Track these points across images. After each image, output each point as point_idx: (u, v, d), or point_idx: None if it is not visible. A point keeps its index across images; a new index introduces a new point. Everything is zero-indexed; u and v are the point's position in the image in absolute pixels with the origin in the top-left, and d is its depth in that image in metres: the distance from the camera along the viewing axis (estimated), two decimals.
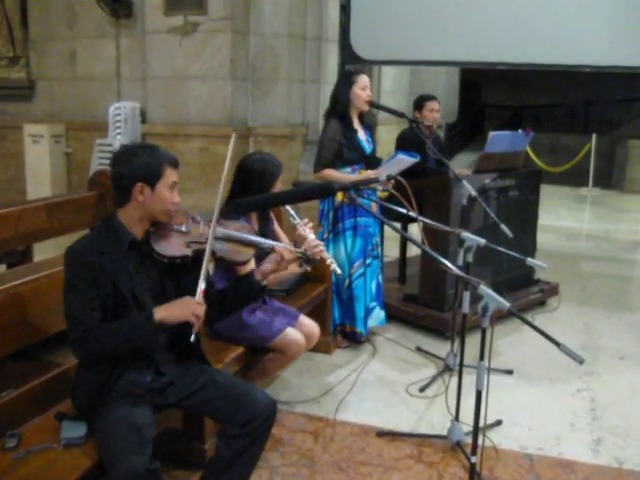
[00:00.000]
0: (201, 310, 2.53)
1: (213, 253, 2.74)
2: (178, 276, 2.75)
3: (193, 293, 2.63)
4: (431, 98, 5.71)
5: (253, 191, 3.45)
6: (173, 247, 2.68)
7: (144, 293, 2.64)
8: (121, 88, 9.10)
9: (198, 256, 2.69)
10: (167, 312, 2.53)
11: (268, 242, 2.98)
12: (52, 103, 9.63)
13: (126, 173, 2.59)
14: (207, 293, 2.61)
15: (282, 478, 3.25)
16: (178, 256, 2.67)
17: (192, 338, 2.52)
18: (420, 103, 5.70)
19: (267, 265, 2.89)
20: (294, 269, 3.43)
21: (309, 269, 3.08)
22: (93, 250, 2.55)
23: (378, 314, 4.88)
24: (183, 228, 2.73)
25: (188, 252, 2.69)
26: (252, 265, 3.04)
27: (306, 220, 3.33)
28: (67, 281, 2.54)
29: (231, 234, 2.84)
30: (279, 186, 3.64)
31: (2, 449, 2.45)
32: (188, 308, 2.52)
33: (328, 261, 3.28)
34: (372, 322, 4.87)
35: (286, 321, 3.68)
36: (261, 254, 3.02)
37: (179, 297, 2.73)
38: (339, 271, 3.26)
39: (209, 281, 2.73)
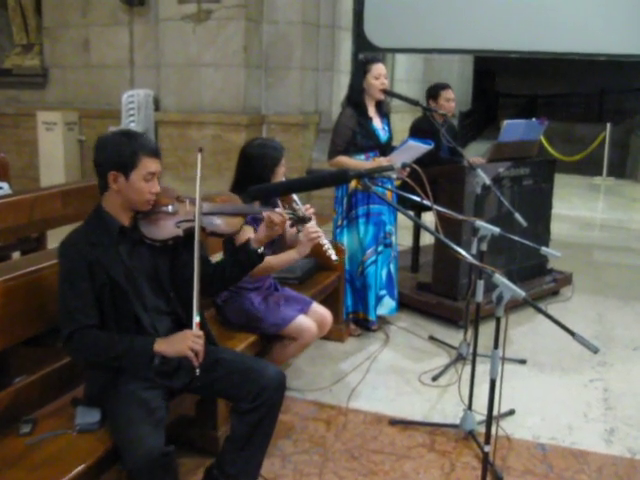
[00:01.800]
0: (199, 344, 2.50)
1: (204, 229, 2.73)
2: (171, 257, 2.76)
3: (190, 269, 2.63)
4: (446, 87, 5.66)
5: (254, 176, 3.46)
6: (163, 230, 2.67)
7: (140, 280, 2.65)
8: (134, 76, 9.12)
9: (189, 234, 2.69)
10: (166, 346, 2.52)
11: (254, 208, 2.97)
12: (65, 90, 9.65)
13: (101, 160, 2.60)
14: (201, 326, 2.58)
15: (294, 465, 3.26)
16: (169, 238, 2.67)
17: (197, 372, 2.51)
18: (436, 92, 5.64)
19: (260, 232, 2.89)
20: (293, 254, 3.44)
21: (301, 229, 3.07)
22: (85, 242, 2.57)
23: (388, 303, 4.86)
24: (169, 209, 2.72)
25: (179, 232, 2.69)
26: (249, 234, 3.04)
27: (308, 206, 3.33)
28: (62, 276, 2.56)
29: (217, 207, 2.84)
30: (282, 171, 3.63)
31: (17, 435, 2.47)
32: (186, 343, 2.49)
33: (325, 247, 3.28)
34: (382, 311, 4.86)
35: (298, 308, 3.69)
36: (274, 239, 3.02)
37: (173, 280, 2.75)
38: (334, 257, 3.27)
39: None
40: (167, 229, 2.68)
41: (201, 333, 2.54)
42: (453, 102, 5.64)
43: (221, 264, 2.90)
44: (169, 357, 2.55)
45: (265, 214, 2.86)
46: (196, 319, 2.55)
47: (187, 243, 2.71)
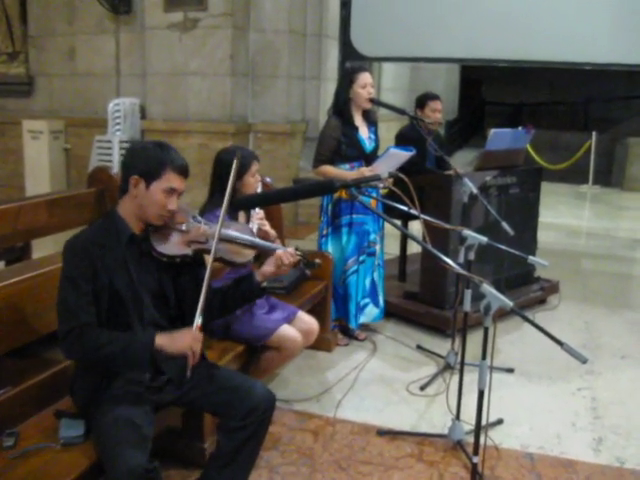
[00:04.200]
0: (198, 345, 2.51)
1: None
2: (176, 274, 2.73)
3: (190, 292, 2.63)
4: (434, 97, 5.67)
5: (223, 183, 3.47)
6: (173, 246, 2.65)
7: (143, 291, 2.61)
8: (120, 84, 9.08)
9: (198, 256, 2.68)
10: (167, 342, 2.50)
11: (269, 245, 2.96)
12: (51, 99, 9.61)
13: (128, 163, 2.61)
14: (203, 328, 2.57)
15: (282, 477, 3.23)
16: (178, 255, 2.65)
17: (188, 373, 2.49)
18: (423, 102, 5.66)
19: (268, 268, 2.86)
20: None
21: (309, 273, 3.04)
22: (92, 243, 2.53)
23: (371, 311, 4.85)
24: (183, 227, 2.70)
25: (188, 251, 2.67)
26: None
27: (260, 213, 3.47)
28: (65, 274, 2.51)
29: (233, 236, 2.82)
30: (253, 181, 3.64)
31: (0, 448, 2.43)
32: (187, 342, 2.48)
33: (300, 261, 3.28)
34: (365, 319, 4.86)
35: (282, 317, 3.67)
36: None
37: (177, 296, 2.72)
38: (318, 260, 3.25)
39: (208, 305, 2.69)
40: (177, 246, 2.66)
41: (201, 336, 2.53)
42: (439, 113, 5.66)
43: (221, 291, 2.88)
44: (166, 353, 2.50)
45: (277, 253, 2.84)
46: (198, 321, 2.54)
47: (192, 265, 2.71)
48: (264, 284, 2.86)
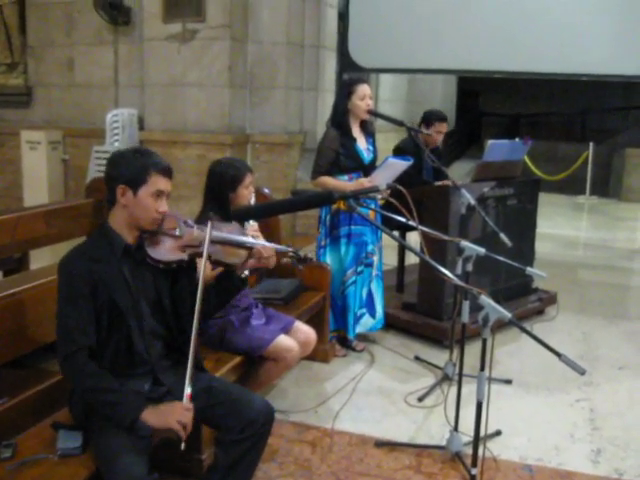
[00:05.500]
0: (188, 417, 2.42)
1: (209, 257, 2.71)
2: (172, 280, 2.73)
3: (187, 297, 2.61)
4: (442, 120, 5.65)
5: (216, 194, 3.53)
6: (168, 252, 2.65)
7: (141, 302, 2.61)
8: (119, 95, 9.09)
9: (193, 261, 2.67)
10: (153, 417, 2.43)
11: (259, 242, 2.96)
12: (50, 110, 9.62)
13: (112, 174, 2.60)
14: (193, 397, 2.49)
15: None
16: (174, 260, 2.65)
17: (182, 447, 2.40)
18: (430, 121, 5.61)
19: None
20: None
21: (301, 268, 3.04)
22: (88, 259, 2.52)
23: (367, 321, 4.84)
24: (177, 232, 2.70)
25: (184, 256, 2.67)
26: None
27: (255, 225, 3.46)
28: (62, 294, 2.50)
29: (225, 237, 2.82)
30: (246, 192, 3.63)
31: None
32: (174, 416, 2.41)
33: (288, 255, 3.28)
34: (360, 329, 4.85)
35: (279, 328, 3.67)
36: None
37: (174, 302, 2.71)
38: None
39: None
40: (172, 252, 2.66)
41: (191, 406, 2.46)
42: (442, 135, 5.66)
43: (206, 292, 2.87)
44: (154, 428, 2.44)
45: (257, 248, 2.84)
46: (187, 391, 2.46)
47: (188, 270, 2.70)
48: (244, 274, 2.85)
